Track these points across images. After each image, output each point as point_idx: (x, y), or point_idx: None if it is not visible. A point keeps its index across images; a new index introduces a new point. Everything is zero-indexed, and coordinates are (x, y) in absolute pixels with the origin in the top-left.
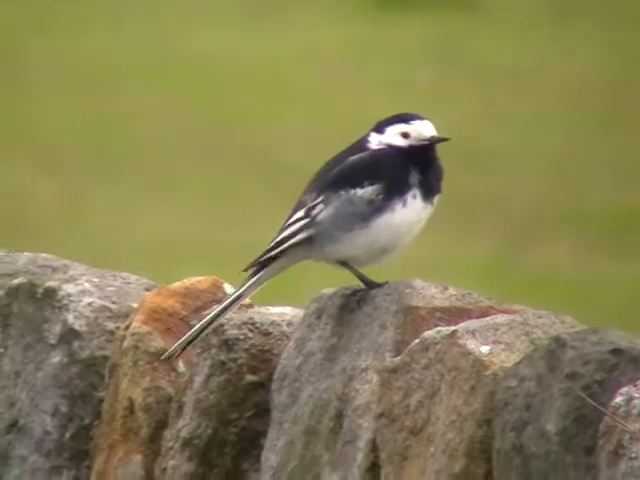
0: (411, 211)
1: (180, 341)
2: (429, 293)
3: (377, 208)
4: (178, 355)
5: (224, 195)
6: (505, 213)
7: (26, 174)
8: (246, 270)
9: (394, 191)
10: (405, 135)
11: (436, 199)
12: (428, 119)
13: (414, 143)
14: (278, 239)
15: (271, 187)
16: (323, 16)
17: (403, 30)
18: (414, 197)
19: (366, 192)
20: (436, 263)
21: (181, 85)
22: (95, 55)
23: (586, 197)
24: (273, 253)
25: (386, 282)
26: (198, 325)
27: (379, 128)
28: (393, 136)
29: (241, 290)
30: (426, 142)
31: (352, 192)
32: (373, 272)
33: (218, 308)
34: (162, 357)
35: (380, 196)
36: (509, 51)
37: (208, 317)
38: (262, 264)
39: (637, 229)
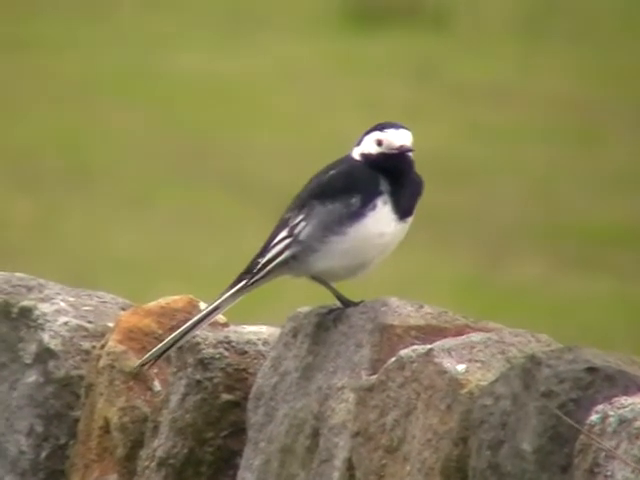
0: (381, 217)
1: (154, 350)
2: (405, 312)
3: (352, 217)
4: (150, 365)
5: (200, 212)
6: (481, 230)
7: (2, 191)
8: (231, 288)
9: (366, 199)
10: (379, 143)
11: (410, 219)
12: (406, 129)
13: (385, 151)
14: (264, 261)
15: (247, 204)
16: (299, 33)
17: (378, 48)
18: (384, 203)
19: (345, 203)
20: (412, 280)
21: (158, 102)
22: (73, 72)
23: (562, 213)
24: (260, 275)
25: (362, 301)
26: (172, 335)
27: (359, 139)
28: (369, 144)
29: (217, 302)
30: (395, 151)
31: (332, 205)
32: (349, 291)
33: (194, 319)
34: (135, 366)
35: (355, 205)
36: (483, 68)
37: (183, 327)
38: (246, 283)
39: (613, 245)
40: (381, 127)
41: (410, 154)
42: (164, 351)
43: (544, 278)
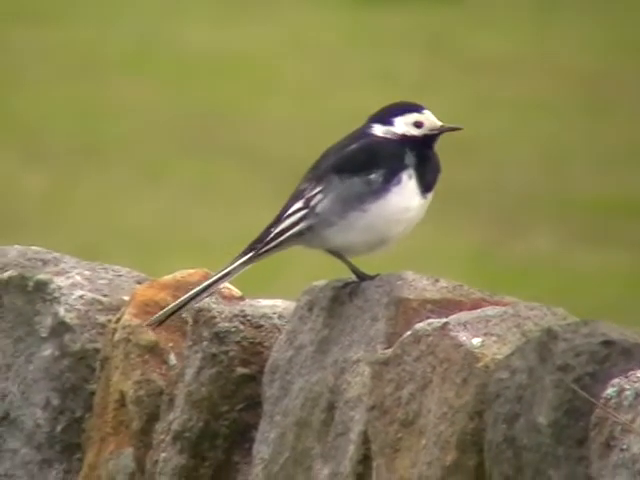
0: (407, 192)
1: (164, 310)
2: (420, 285)
3: (374, 192)
4: (161, 324)
5: (211, 185)
6: (493, 203)
7: (13, 164)
8: (243, 255)
9: (391, 174)
10: (418, 125)
11: (431, 195)
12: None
13: (427, 132)
14: (277, 230)
15: (258, 177)
16: (310, 7)
17: (390, 20)
18: (410, 177)
19: (366, 179)
20: (422, 254)
21: (169, 75)
22: (83, 45)
23: (572, 186)
24: (272, 244)
25: (377, 274)
26: (181, 298)
27: (385, 118)
28: (406, 125)
29: (228, 269)
30: (436, 131)
31: (351, 180)
32: (364, 264)
33: (203, 284)
34: (146, 323)
35: (379, 181)
36: (495, 40)
37: (192, 291)
38: (257, 252)
39: (624, 218)
40: (414, 109)
41: None
42: (172, 313)
43: (555, 251)
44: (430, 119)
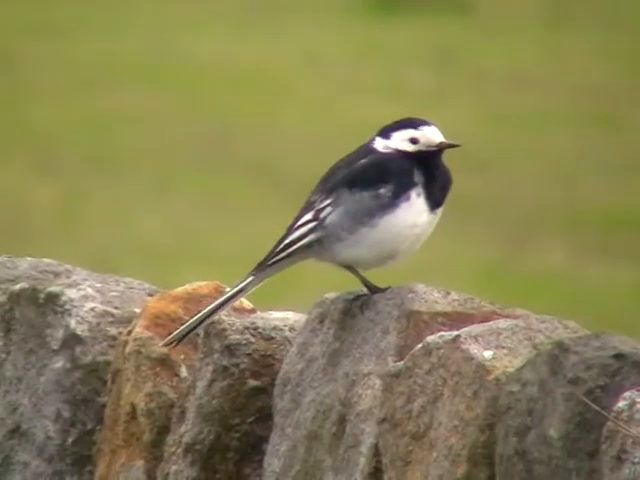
0: (415, 209)
1: (178, 330)
2: (431, 298)
3: (384, 208)
4: (176, 344)
5: (223, 198)
6: (503, 216)
7: (25, 177)
8: (255, 270)
9: (400, 190)
10: (414, 141)
11: (440, 210)
12: (435, 124)
13: (422, 149)
14: (286, 241)
15: (269, 190)
16: (320, 21)
17: (401, 33)
18: (418, 195)
19: (375, 194)
20: (434, 267)
21: (181, 88)
22: (95, 58)
23: (584, 199)
24: (281, 256)
25: (388, 287)
26: (197, 316)
27: (385, 133)
28: (400, 141)
29: (243, 284)
30: (434, 148)
31: (361, 194)
32: (375, 277)
33: (219, 300)
34: (162, 344)
35: (387, 196)
36: (504, 53)
37: (208, 309)
38: (268, 263)
39: (634, 231)
40: (411, 124)
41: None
42: (188, 332)
43: (566, 265)
44: (427, 136)
